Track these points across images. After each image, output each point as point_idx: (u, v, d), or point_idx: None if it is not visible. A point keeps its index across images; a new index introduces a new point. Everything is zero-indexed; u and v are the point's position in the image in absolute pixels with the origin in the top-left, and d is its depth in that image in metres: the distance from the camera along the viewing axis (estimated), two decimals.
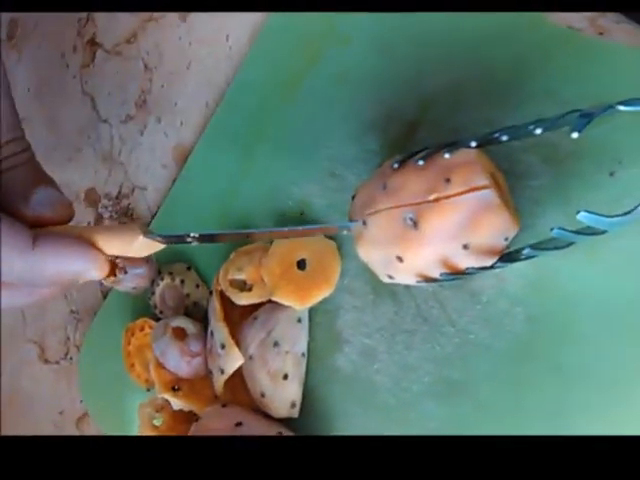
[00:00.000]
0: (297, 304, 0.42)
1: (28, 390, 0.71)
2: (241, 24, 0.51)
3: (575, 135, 0.27)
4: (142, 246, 0.33)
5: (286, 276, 0.42)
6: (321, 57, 0.45)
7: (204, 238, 0.35)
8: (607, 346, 0.33)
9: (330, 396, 0.43)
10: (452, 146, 0.32)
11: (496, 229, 0.31)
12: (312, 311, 0.44)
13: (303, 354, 0.43)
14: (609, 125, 0.33)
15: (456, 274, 0.33)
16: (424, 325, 0.39)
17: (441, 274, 0.33)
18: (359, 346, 0.42)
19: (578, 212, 0.27)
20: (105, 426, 0.58)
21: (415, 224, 0.31)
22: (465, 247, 0.31)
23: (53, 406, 0.67)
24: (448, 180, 0.31)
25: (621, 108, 0.27)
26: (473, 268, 0.32)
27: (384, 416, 0.40)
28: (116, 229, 0.34)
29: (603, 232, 0.28)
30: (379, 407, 0.41)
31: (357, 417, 0.42)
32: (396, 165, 0.33)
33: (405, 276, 0.34)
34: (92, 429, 0.62)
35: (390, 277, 0.35)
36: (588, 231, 0.28)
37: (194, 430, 0.41)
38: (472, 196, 0.30)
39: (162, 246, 0.34)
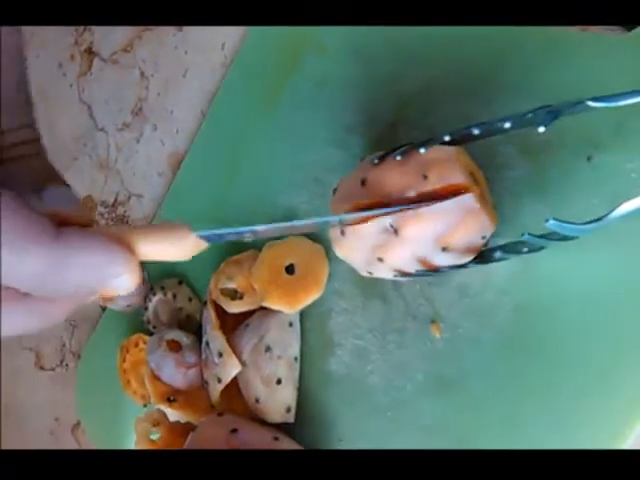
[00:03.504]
0: (287, 308, 0.42)
1: (24, 397, 0.70)
2: (236, 32, 0.51)
3: (542, 129, 0.28)
4: (188, 249, 0.28)
5: (275, 281, 0.43)
6: (299, 65, 0.46)
7: (262, 234, 0.30)
8: (595, 332, 0.33)
9: (325, 399, 0.43)
10: (427, 143, 0.32)
11: (474, 231, 0.32)
12: (303, 315, 0.44)
13: (296, 358, 0.43)
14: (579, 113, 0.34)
15: (431, 271, 0.33)
16: (414, 323, 0.39)
17: (417, 271, 0.33)
18: (351, 348, 0.42)
19: (547, 220, 0.27)
20: (101, 444, 0.58)
21: (395, 231, 0.32)
22: (444, 249, 0.32)
23: (49, 413, 0.67)
24: (425, 177, 0.31)
25: (591, 104, 0.28)
26: (446, 267, 0.33)
27: (379, 416, 0.40)
28: (159, 228, 0.28)
29: (574, 238, 0.28)
30: (374, 408, 0.41)
31: (352, 419, 0.42)
32: (376, 160, 0.34)
33: (384, 272, 0.34)
34: (87, 436, 0.62)
35: (369, 273, 0.35)
36: (558, 237, 0.28)
37: (191, 439, 0.41)
38: (451, 203, 0.31)
39: (205, 247, 0.28)
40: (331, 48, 0.44)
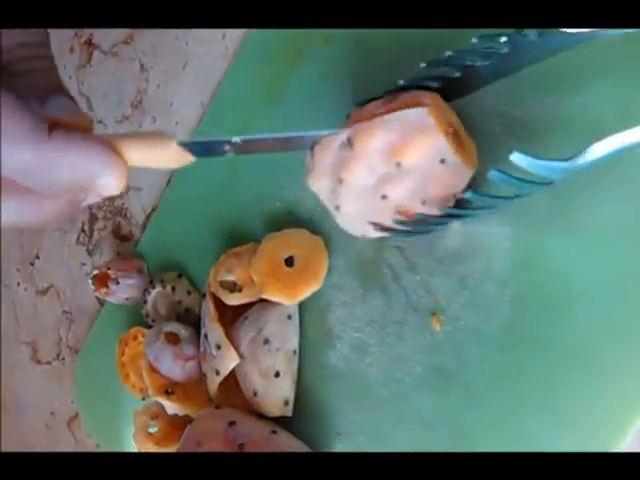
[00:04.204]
0: (286, 300, 0.42)
1: (20, 391, 0.70)
2: None
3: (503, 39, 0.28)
4: (172, 157, 0.30)
5: (274, 274, 0.42)
6: (303, 55, 0.45)
7: (242, 147, 0.32)
8: (596, 324, 0.33)
9: (324, 393, 0.42)
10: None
11: (430, 148, 0.31)
12: (303, 309, 0.44)
13: (294, 351, 0.43)
14: (580, 99, 0.33)
15: (410, 222, 0.34)
16: (414, 315, 0.39)
17: (394, 221, 0.34)
18: (350, 341, 0.42)
19: (511, 152, 0.26)
20: (100, 437, 0.58)
21: (351, 144, 0.32)
22: (398, 165, 0.32)
23: (45, 407, 0.67)
24: (395, 98, 0.33)
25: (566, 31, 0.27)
26: (423, 215, 0.33)
27: (378, 410, 0.40)
28: (145, 135, 0.30)
29: (549, 183, 0.27)
30: (373, 401, 0.40)
31: (351, 412, 0.41)
32: None
33: (350, 205, 0.35)
34: (83, 431, 0.62)
35: (337, 208, 0.35)
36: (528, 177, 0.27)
37: (188, 432, 0.41)
38: (404, 114, 0.31)
39: (191, 159, 0.31)
40: (335, 38, 0.44)
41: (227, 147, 0.31)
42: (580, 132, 0.33)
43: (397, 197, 0.33)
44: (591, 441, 0.32)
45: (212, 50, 0.52)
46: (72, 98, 0.31)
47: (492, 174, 0.28)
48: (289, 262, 0.43)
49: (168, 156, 0.30)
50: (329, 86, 0.44)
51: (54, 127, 0.27)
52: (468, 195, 0.31)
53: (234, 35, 0.51)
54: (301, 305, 0.44)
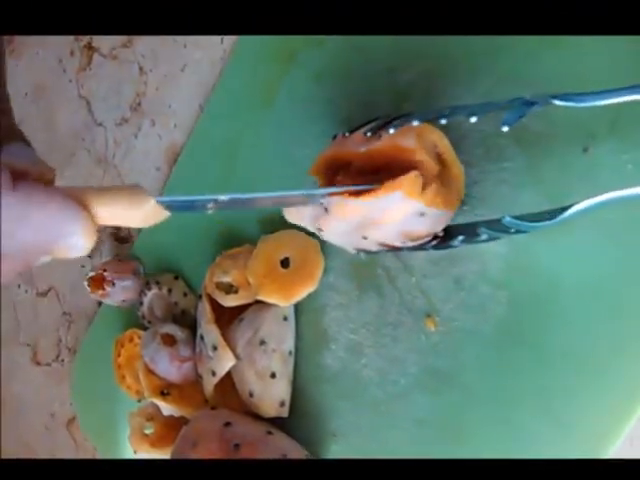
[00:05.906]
0: (282, 301, 0.42)
1: (20, 393, 0.70)
2: None
3: (505, 129, 0.28)
4: (148, 214, 0.26)
5: (270, 275, 0.42)
6: (296, 59, 0.46)
7: (227, 204, 0.29)
8: (591, 324, 0.33)
9: (319, 394, 0.42)
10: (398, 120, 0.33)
11: (409, 211, 0.32)
12: (298, 310, 0.44)
13: (290, 352, 0.43)
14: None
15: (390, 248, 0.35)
16: (409, 316, 0.39)
17: (377, 249, 0.35)
18: (346, 342, 0.42)
19: (503, 217, 0.29)
20: (96, 438, 0.58)
21: (327, 211, 0.33)
22: (376, 226, 0.33)
23: (44, 408, 0.67)
24: (380, 137, 0.33)
25: (556, 102, 0.28)
26: (408, 247, 0.34)
27: (374, 411, 0.40)
28: (119, 190, 0.26)
29: (525, 232, 0.29)
30: (368, 402, 0.40)
31: (347, 413, 0.41)
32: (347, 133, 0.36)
33: (333, 239, 0.36)
34: (82, 432, 0.62)
35: (321, 235, 0.36)
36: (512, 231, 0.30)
37: (184, 432, 0.41)
38: (381, 200, 0.31)
39: (166, 215, 0.27)
40: (329, 41, 0.44)
41: (211, 205, 0.29)
42: (575, 136, 0.33)
43: (377, 238, 0.34)
44: (584, 439, 0.32)
45: (210, 54, 0.53)
46: (28, 143, 0.28)
47: (506, 220, 0.29)
48: (285, 263, 0.43)
49: (143, 213, 0.26)
50: (322, 88, 0.44)
51: (16, 177, 0.23)
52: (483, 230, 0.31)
53: (232, 39, 0.51)
54: (297, 306, 0.44)
